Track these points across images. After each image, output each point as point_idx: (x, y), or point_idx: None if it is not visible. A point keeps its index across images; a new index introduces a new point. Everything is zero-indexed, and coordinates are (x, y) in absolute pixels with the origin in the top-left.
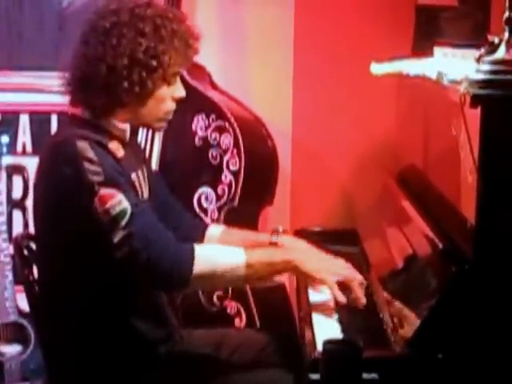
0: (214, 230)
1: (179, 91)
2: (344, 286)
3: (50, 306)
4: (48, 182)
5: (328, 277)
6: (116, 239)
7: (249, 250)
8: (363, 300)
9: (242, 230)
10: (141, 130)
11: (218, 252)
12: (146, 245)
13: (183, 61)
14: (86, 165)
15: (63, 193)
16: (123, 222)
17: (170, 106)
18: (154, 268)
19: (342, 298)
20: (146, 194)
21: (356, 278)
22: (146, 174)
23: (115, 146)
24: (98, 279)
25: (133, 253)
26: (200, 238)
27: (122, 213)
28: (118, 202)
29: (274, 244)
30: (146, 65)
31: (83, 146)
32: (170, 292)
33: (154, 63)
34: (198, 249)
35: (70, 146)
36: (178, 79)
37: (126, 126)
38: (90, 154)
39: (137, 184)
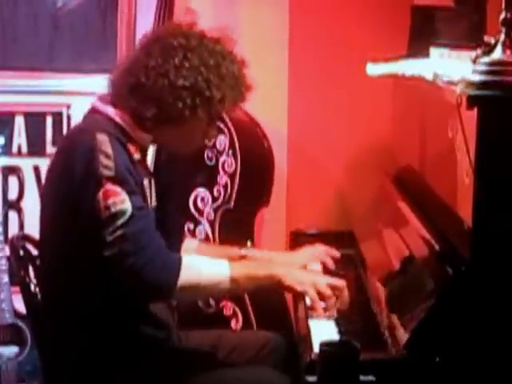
0: (190, 244)
1: (213, 133)
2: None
3: (47, 307)
4: (62, 168)
5: (309, 289)
6: (109, 237)
7: (234, 263)
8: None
9: (214, 245)
10: None
11: (204, 264)
12: (136, 250)
13: (232, 104)
14: (101, 158)
15: (73, 181)
16: (120, 222)
17: (199, 143)
18: (138, 274)
19: (321, 312)
20: (153, 204)
21: (338, 284)
22: (154, 187)
23: (133, 149)
24: (93, 277)
25: (121, 255)
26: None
27: (122, 212)
28: (121, 200)
29: (243, 257)
30: (203, 93)
31: (103, 138)
32: (153, 300)
33: (208, 94)
34: (185, 260)
35: (90, 136)
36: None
37: (150, 137)
38: (108, 148)
39: (147, 190)
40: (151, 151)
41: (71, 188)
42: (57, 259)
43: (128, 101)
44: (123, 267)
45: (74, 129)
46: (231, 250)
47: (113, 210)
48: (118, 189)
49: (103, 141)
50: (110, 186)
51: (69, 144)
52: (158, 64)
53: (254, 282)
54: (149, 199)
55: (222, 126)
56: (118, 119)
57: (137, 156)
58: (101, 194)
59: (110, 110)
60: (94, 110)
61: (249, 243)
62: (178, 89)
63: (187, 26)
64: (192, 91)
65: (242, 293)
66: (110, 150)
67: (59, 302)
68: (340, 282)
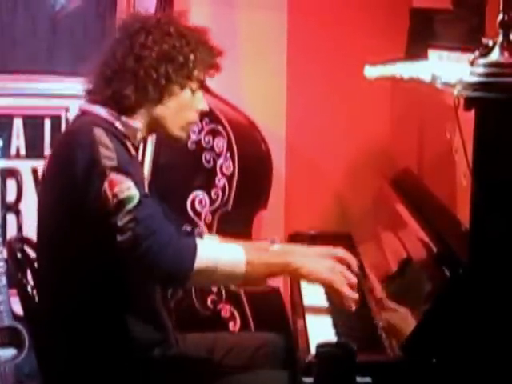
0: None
1: (203, 104)
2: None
3: (45, 310)
4: (61, 167)
5: (334, 276)
6: (120, 222)
7: (248, 249)
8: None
9: (235, 240)
10: None
11: (219, 249)
12: (149, 233)
13: (207, 67)
14: (102, 149)
15: (76, 177)
16: (130, 206)
17: (193, 116)
18: (154, 258)
19: (354, 295)
20: None
21: (353, 280)
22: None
23: (130, 145)
24: (97, 274)
25: (135, 239)
26: None
27: (130, 198)
28: (127, 187)
29: None
30: (173, 60)
31: (100, 132)
32: (169, 286)
33: (181, 59)
34: (200, 244)
35: (87, 132)
36: (202, 93)
37: (140, 126)
38: (106, 140)
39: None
40: (149, 153)
41: (75, 185)
42: (58, 261)
43: (106, 91)
44: (138, 251)
45: (68, 130)
46: (258, 244)
47: (120, 196)
48: (122, 177)
49: (101, 134)
50: (114, 176)
51: (66, 143)
52: (125, 48)
53: (268, 268)
54: None
55: (220, 128)
56: (107, 116)
57: (133, 152)
58: (106, 184)
59: (98, 109)
60: (83, 113)
61: (277, 239)
62: (146, 59)
63: (141, 14)
64: (161, 59)
65: (255, 281)
66: (109, 142)
67: (57, 304)
68: (354, 279)
